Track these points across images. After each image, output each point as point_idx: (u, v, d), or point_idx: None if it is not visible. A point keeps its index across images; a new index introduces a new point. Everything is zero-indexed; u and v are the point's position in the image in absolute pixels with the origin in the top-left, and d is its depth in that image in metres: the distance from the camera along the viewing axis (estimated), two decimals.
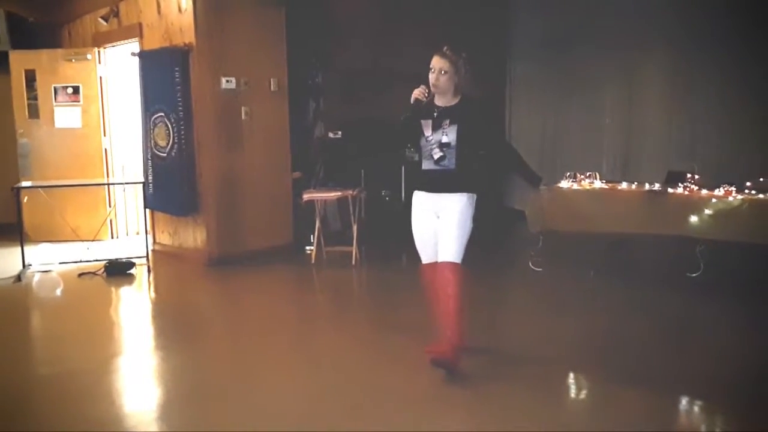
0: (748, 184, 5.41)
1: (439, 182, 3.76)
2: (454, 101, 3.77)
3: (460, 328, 3.66)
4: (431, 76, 3.70)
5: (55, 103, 7.78)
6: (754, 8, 6.60)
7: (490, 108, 3.97)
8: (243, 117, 6.64)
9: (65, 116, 7.81)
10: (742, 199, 5.18)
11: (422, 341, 4.23)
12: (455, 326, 3.65)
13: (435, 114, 3.74)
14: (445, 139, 3.69)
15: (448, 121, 3.70)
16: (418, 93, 3.71)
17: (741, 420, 3.22)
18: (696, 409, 3.45)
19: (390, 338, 4.49)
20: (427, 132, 3.74)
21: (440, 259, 3.69)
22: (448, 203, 3.73)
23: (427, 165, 3.77)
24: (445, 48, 3.74)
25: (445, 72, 3.68)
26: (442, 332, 3.70)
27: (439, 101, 3.79)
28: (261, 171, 6.78)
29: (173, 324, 5.04)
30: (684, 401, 3.49)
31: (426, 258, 3.90)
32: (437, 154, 3.71)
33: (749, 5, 6.63)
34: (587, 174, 6.15)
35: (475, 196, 3.78)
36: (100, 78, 7.81)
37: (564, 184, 6.16)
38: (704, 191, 5.42)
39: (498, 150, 4.08)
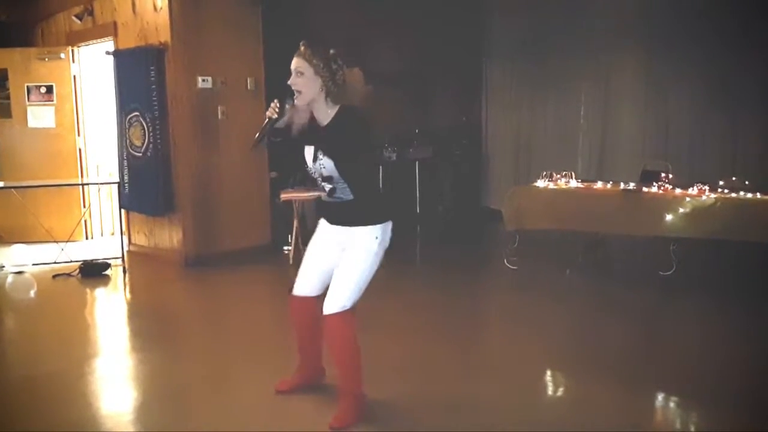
0: (721, 183, 5.51)
1: (337, 215, 3.17)
2: (328, 116, 3.07)
3: (359, 377, 3.20)
4: (290, 80, 3.04)
5: (28, 103, 7.67)
6: (726, 12, 6.71)
7: (358, 117, 3.04)
8: (219, 116, 6.60)
9: (38, 116, 7.71)
10: (715, 197, 5.27)
11: (400, 339, 4.27)
12: (355, 379, 3.19)
13: (305, 137, 3.07)
14: (325, 172, 3.04)
15: (320, 151, 3.02)
16: (269, 112, 3.04)
17: (715, 417, 3.27)
18: (670, 406, 3.50)
19: (367, 337, 4.48)
20: (309, 161, 3.10)
21: (325, 310, 3.08)
22: (353, 238, 3.12)
23: (323, 196, 3.16)
24: (301, 45, 3.07)
25: (301, 72, 3.01)
26: (340, 385, 3.24)
27: (318, 117, 3.09)
28: (238, 171, 6.75)
29: (149, 325, 5.00)
30: (658, 399, 3.54)
31: (301, 288, 3.34)
32: (327, 186, 3.09)
33: (720, 9, 6.74)
34: (563, 173, 6.21)
35: (386, 224, 3.15)
36: (74, 77, 7.71)
37: (540, 183, 6.21)
38: (678, 190, 5.50)
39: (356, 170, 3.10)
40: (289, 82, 3.02)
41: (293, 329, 3.49)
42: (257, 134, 3.05)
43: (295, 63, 3.03)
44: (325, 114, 3.06)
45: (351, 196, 3.08)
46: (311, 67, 3.01)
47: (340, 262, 3.12)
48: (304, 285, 3.34)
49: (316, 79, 3.01)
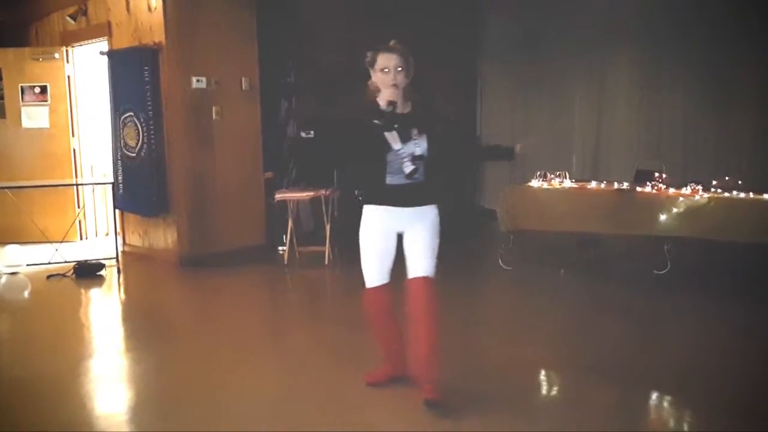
0: (714, 182, 5.53)
1: (409, 196, 3.35)
2: (408, 106, 3.35)
3: (438, 355, 3.34)
4: (386, 77, 3.25)
5: (22, 103, 7.66)
6: (720, 12, 6.73)
7: (435, 104, 3.55)
8: (214, 117, 6.60)
9: (33, 116, 7.69)
10: (709, 197, 5.29)
11: None
12: (437, 352, 3.33)
13: (391, 123, 3.23)
14: (418, 151, 3.26)
15: (416, 131, 3.28)
16: (391, 95, 3.23)
17: (710, 416, 3.28)
18: (665, 405, 3.51)
19: (362, 339, 4.48)
20: (396, 144, 3.27)
21: (415, 275, 3.34)
22: (421, 217, 3.37)
23: (394, 179, 3.31)
24: (392, 42, 3.31)
25: (400, 68, 3.26)
26: (422, 363, 3.35)
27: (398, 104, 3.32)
28: (232, 171, 6.75)
29: (144, 326, 5.00)
30: (653, 398, 3.54)
31: (379, 279, 3.43)
32: (409, 167, 3.26)
33: (714, 10, 6.76)
34: (557, 173, 6.22)
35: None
36: (68, 77, 7.70)
37: (534, 183, 6.22)
38: (671, 190, 5.52)
39: (459, 149, 3.84)
40: (391, 83, 3.23)
41: (374, 324, 3.55)
42: (378, 120, 3.20)
43: (394, 60, 3.25)
44: (403, 103, 3.30)
45: (423, 178, 3.31)
46: (407, 63, 3.29)
47: (411, 240, 3.37)
48: (381, 275, 3.43)
49: (409, 73, 3.30)
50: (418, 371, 3.44)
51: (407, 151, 3.26)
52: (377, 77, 3.29)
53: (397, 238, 3.41)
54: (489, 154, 3.90)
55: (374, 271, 3.43)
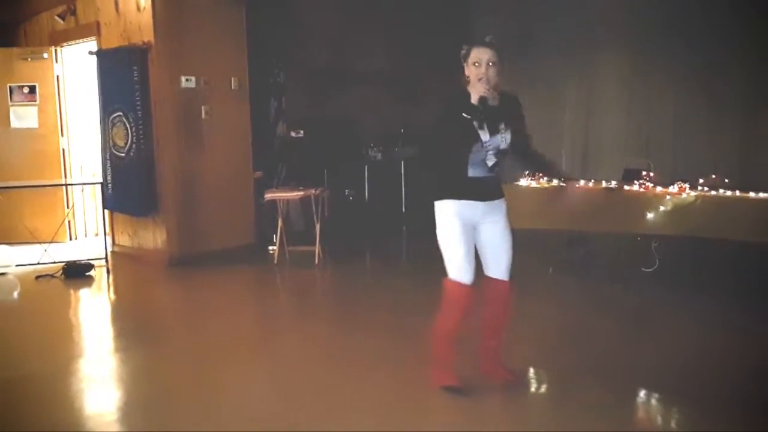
0: (701, 181, 5.57)
1: (489, 190, 3.42)
2: (496, 99, 3.38)
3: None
4: (478, 71, 3.29)
5: (10, 103, 7.63)
6: (707, 14, 6.76)
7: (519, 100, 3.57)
8: (203, 116, 6.59)
9: (21, 116, 7.67)
10: (696, 195, 5.34)
11: (386, 341, 4.28)
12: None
13: (483, 116, 3.30)
14: (503, 145, 3.34)
15: (503, 125, 3.34)
16: (484, 90, 3.29)
17: (699, 412, 3.30)
18: (654, 402, 3.52)
19: (353, 338, 4.51)
20: (485, 137, 3.30)
21: (497, 276, 3.48)
22: (496, 211, 3.46)
23: (477, 172, 3.35)
24: (488, 38, 3.37)
25: (493, 63, 3.29)
26: (494, 354, 3.61)
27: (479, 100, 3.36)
28: (222, 170, 6.74)
29: (133, 326, 4.99)
30: (642, 396, 3.55)
31: (471, 276, 3.41)
32: (492, 160, 3.33)
33: (703, 11, 6.80)
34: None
35: None
36: (57, 77, 7.68)
37: (523, 182, 6.24)
38: (659, 188, 5.56)
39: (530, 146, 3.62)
40: (480, 77, 3.27)
41: (452, 321, 3.47)
42: (467, 113, 3.28)
43: (487, 55, 3.29)
44: (493, 97, 3.35)
45: (499, 171, 3.43)
46: (499, 58, 3.31)
47: (489, 236, 3.45)
48: (472, 271, 3.42)
49: (500, 69, 3.32)
50: (488, 363, 3.62)
51: (493, 144, 3.32)
52: (469, 70, 3.33)
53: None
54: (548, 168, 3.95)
55: (468, 266, 3.39)
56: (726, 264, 5.52)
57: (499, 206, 3.46)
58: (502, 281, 3.47)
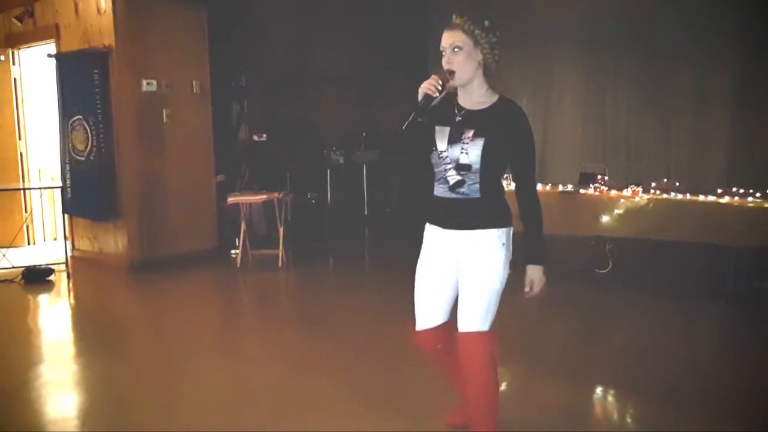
0: (653, 184, 5.78)
1: (457, 216, 2.65)
2: (485, 101, 2.65)
3: (495, 411, 2.74)
4: (443, 61, 2.61)
5: None
6: (661, 18, 6.97)
7: (528, 121, 2.66)
8: (165, 120, 6.58)
9: None
10: (648, 198, 5.52)
11: (349, 343, 4.34)
12: (486, 416, 2.70)
13: (457, 118, 2.65)
14: (464, 159, 2.58)
15: (471, 133, 2.58)
16: (426, 86, 2.55)
17: (652, 410, 3.43)
18: (609, 401, 3.64)
19: (317, 340, 4.57)
20: (441, 145, 2.63)
21: (460, 328, 2.62)
22: (472, 245, 2.65)
23: (440, 191, 2.68)
24: (455, 16, 2.61)
25: (459, 48, 2.56)
26: (470, 420, 2.77)
27: (463, 100, 2.68)
28: (184, 174, 6.74)
29: (94, 331, 4.97)
30: (597, 395, 3.67)
31: (424, 321, 2.77)
32: (453, 177, 2.61)
33: (655, 17, 7.00)
34: (504, 176, 6.36)
35: (510, 229, 2.71)
36: (15, 80, 7.58)
37: None
38: (613, 192, 5.73)
39: (524, 189, 2.70)
40: (445, 68, 2.59)
41: (437, 367, 3.04)
42: (412, 114, 2.55)
43: (451, 38, 2.58)
44: (481, 97, 2.65)
45: (478, 194, 2.60)
46: (471, 39, 2.57)
47: (464, 274, 2.67)
48: (428, 314, 2.78)
49: (475, 55, 2.58)
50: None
51: (451, 156, 2.61)
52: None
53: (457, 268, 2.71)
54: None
55: (420, 308, 2.79)
56: (676, 264, 5.72)
57: (476, 240, 2.63)
58: (462, 335, 2.62)
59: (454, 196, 2.63)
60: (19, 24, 7.31)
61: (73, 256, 7.00)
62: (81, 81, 6.44)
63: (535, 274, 2.72)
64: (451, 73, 2.58)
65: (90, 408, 3.57)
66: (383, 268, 6.72)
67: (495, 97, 2.65)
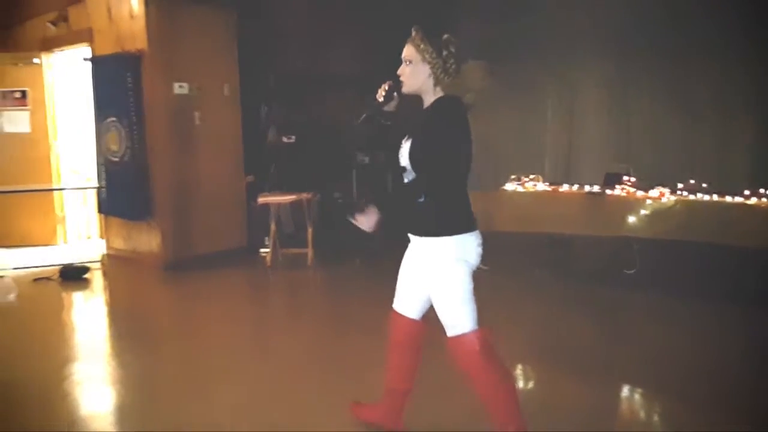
0: (680, 185, 5.77)
1: (410, 220, 2.78)
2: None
3: (512, 406, 2.72)
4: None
5: (2, 108, 7.69)
6: (685, 20, 6.96)
7: (449, 112, 2.66)
8: (196, 122, 6.71)
9: (13, 121, 7.73)
10: (675, 199, 5.53)
11: (381, 342, 4.39)
12: (505, 409, 2.71)
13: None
14: (402, 162, 2.73)
15: (406, 136, 2.76)
16: (378, 93, 2.80)
17: (678, 410, 3.46)
18: (635, 402, 3.66)
19: (347, 339, 4.63)
20: (402, 150, 2.79)
21: (448, 334, 2.73)
22: (426, 253, 2.74)
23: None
24: (413, 30, 2.81)
25: (409, 60, 2.73)
26: (494, 419, 2.74)
27: (424, 107, 2.81)
28: (214, 175, 6.87)
29: (129, 329, 5.06)
30: (623, 395, 3.69)
31: (397, 304, 3.01)
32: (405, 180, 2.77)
33: (680, 19, 6.99)
34: (531, 177, 6.42)
35: (463, 237, 2.69)
36: (49, 82, 7.75)
37: (509, 186, 6.41)
38: (639, 193, 5.75)
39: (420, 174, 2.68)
40: (398, 72, 2.77)
41: (391, 348, 3.11)
42: (363, 115, 2.79)
43: (405, 50, 2.76)
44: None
45: (422, 198, 2.65)
46: (418, 54, 2.71)
47: (427, 284, 2.78)
48: (400, 302, 3.00)
49: (423, 67, 2.71)
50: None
51: (402, 160, 2.75)
52: None
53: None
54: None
55: (397, 292, 3.03)
56: (704, 266, 5.71)
57: (424, 246, 2.74)
58: (449, 340, 2.74)
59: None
60: (53, 28, 7.48)
61: (108, 254, 7.15)
62: (115, 84, 6.59)
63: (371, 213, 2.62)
64: (401, 82, 2.76)
65: (124, 406, 3.62)
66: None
67: (434, 98, 2.74)
